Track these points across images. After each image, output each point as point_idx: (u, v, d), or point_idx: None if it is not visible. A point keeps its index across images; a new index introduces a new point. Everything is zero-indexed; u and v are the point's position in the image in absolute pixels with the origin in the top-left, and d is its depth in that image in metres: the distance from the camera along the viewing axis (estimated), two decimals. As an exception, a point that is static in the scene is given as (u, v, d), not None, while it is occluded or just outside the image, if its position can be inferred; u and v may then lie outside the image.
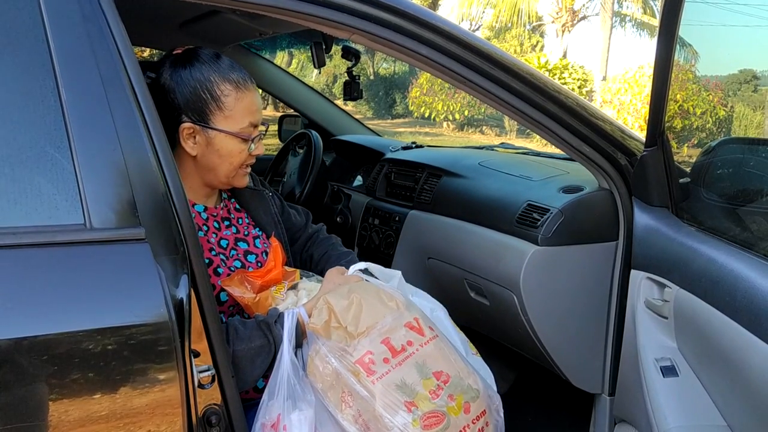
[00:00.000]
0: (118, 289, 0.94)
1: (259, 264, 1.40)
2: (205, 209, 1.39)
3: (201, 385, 1.02)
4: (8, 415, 0.86)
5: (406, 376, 1.10)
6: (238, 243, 1.40)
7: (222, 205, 1.44)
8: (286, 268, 1.36)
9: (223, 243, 1.38)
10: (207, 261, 1.30)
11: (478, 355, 1.29)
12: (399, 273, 1.29)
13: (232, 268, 1.34)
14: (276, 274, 1.31)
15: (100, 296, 0.92)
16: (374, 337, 1.12)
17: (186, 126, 1.30)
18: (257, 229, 1.48)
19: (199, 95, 1.29)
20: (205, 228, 1.36)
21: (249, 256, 1.40)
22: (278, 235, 1.49)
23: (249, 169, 1.39)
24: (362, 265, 1.28)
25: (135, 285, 0.94)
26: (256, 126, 1.35)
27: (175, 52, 1.35)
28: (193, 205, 1.36)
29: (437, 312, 1.28)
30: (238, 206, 1.49)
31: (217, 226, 1.39)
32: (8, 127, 0.92)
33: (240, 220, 1.46)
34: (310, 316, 1.17)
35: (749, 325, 1.13)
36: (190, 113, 1.29)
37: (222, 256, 1.35)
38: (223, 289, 1.29)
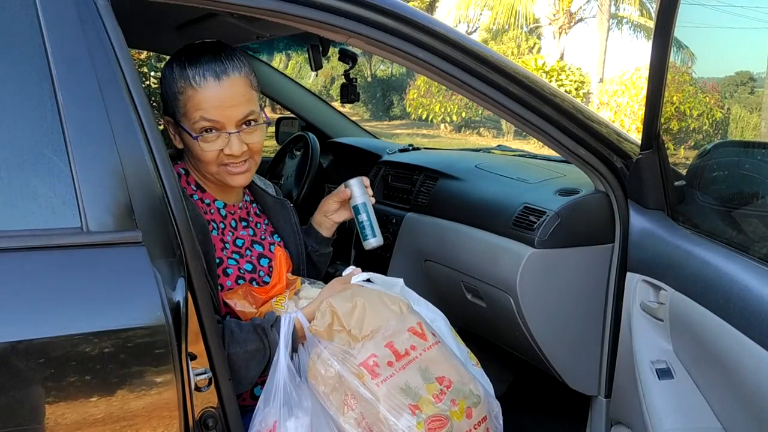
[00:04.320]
0: (114, 292, 0.94)
1: (271, 269, 1.38)
2: (225, 206, 1.38)
3: (198, 388, 1.02)
4: (5, 418, 0.86)
5: (409, 379, 1.10)
6: (254, 245, 1.39)
7: (242, 205, 1.43)
8: (289, 275, 1.35)
9: (239, 242, 1.37)
10: (217, 260, 1.29)
11: (479, 365, 1.29)
12: (401, 281, 1.28)
13: (242, 270, 1.33)
14: (280, 288, 1.31)
15: (97, 299, 0.93)
16: (378, 341, 1.12)
17: (166, 117, 1.31)
18: (275, 236, 1.46)
19: (166, 91, 1.29)
20: (221, 225, 1.35)
21: (262, 259, 1.38)
22: (296, 245, 1.47)
23: (239, 168, 1.29)
24: (365, 275, 1.27)
25: (132, 288, 0.94)
26: (209, 120, 1.24)
27: None
28: (213, 201, 1.36)
29: (438, 322, 1.27)
30: (258, 211, 1.48)
31: (234, 225, 1.38)
32: (5, 129, 0.92)
33: (258, 224, 1.45)
34: (310, 320, 1.17)
35: (743, 327, 1.13)
36: (167, 107, 1.30)
37: (236, 255, 1.34)
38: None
